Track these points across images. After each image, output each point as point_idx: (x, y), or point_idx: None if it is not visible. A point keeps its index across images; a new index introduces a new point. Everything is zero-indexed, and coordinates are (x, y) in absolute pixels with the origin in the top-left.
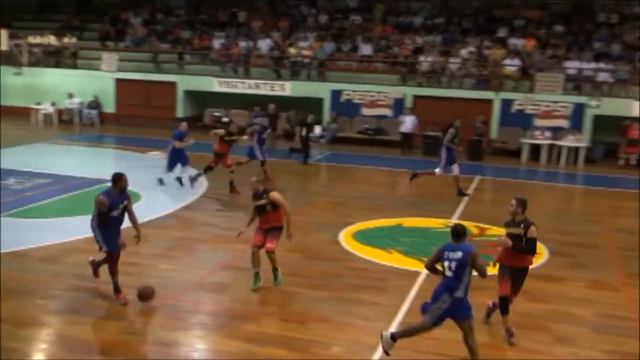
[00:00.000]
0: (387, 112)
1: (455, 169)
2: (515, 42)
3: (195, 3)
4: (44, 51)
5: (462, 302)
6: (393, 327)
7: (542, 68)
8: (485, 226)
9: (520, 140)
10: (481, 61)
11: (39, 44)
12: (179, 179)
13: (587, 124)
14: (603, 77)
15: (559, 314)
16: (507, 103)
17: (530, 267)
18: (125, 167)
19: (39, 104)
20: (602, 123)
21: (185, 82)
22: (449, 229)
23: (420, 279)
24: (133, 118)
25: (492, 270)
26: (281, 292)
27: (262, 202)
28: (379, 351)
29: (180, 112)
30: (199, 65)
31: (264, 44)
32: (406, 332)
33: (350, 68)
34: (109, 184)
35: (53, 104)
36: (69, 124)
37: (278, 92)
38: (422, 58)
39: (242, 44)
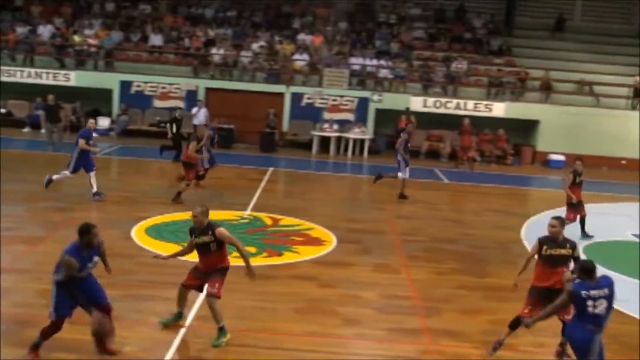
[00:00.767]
0: (180, 104)
1: (406, 172)
2: (304, 37)
3: None
4: None
5: None
6: (187, 321)
7: (329, 63)
8: (279, 217)
9: (310, 132)
10: (272, 55)
11: None
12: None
13: (371, 117)
14: (384, 73)
15: (346, 298)
16: (297, 96)
17: (319, 254)
18: None
19: None
20: (383, 116)
21: None
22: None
23: None
24: None
25: None
26: None
27: (206, 239)
28: (173, 348)
29: None
30: None
31: (45, 31)
32: None
33: (140, 59)
34: None
35: None
36: None
37: (62, 82)
38: (213, 50)
39: (20, 29)
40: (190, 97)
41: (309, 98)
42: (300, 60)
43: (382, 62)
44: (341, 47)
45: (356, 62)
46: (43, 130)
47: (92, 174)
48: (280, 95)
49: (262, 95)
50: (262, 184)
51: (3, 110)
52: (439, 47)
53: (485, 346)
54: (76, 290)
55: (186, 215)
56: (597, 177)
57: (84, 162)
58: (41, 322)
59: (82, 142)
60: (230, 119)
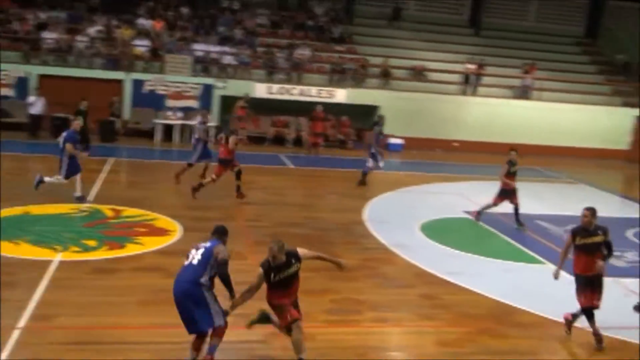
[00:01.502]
0: (9, 92)
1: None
2: (144, 22)
3: None
4: None
5: None
6: (22, 322)
7: (172, 49)
8: (121, 208)
9: (153, 120)
10: (110, 40)
11: None
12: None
13: (216, 104)
14: (228, 60)
15: None
16: (138, 83)
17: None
18: None
19: None
20: (228, 103)
21: None
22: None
23: (51, 269)
24: None
25: None
26: None
27: (292, 270)
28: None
29: None
30: None
31: None
32: None
33: None
34: None
35: None
36: None
37: None
38: (46, 35)
39: None
40: (21, 85)
41: (150, 85)
42: (141, 45)
43: (226, 48)
44: (183, 33)
45: (199, 48)
46: None
47: (78, 176)
48: (120, 82)
49: (100, 83)
50: (103, 175)
51: None
52: (282, 34)
53: (330, 324)
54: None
55: (18, 210)
56: (431, 158)
57: (75, 165)
58: None
59: (69, 146)
60: (66, 107)
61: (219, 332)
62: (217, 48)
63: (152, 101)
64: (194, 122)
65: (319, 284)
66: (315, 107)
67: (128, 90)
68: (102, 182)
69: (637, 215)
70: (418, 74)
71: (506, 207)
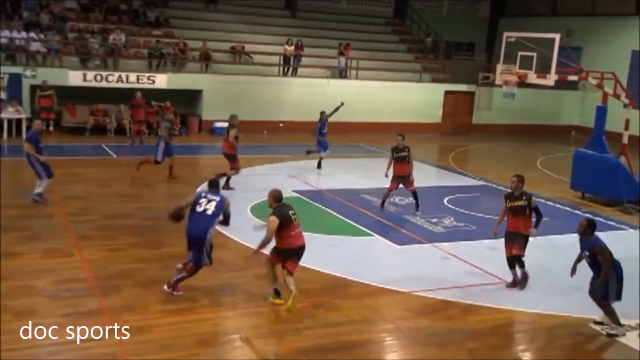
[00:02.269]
0: None
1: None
2: None
3: None
4: None
5: None
6: None
7: None
8: None
9: None
10: None
11: None
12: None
13: (26, 94)
14: (35, 47)
15: (17, 289)
16: None
17: None
18: None
19: None
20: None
21: None
22: None
23: None
24: None
25: None
26: None
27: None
28: None
29: None
30: None
31: None
32: None
33: None
34: None
35: None
36: None
37: None
38: None
39: None
40: None
41: None
42: None
43: (33, 34)
44: None
45: (2, 35)
46: None
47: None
48: None
49: None
50: None
51: None
52: (94, 18)
53: (166, 315)
54: None
55: None
56: (258, 140)
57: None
58: None
59: (27, 146)
60: None
61: (195, 270)
62: (23, 34)
63: None
64: (4, 114)
65: (152, 275)
66: (135, 94)
67: None
68: None
69: (452, 184)
70: (238, 54)
71: (332, 183)
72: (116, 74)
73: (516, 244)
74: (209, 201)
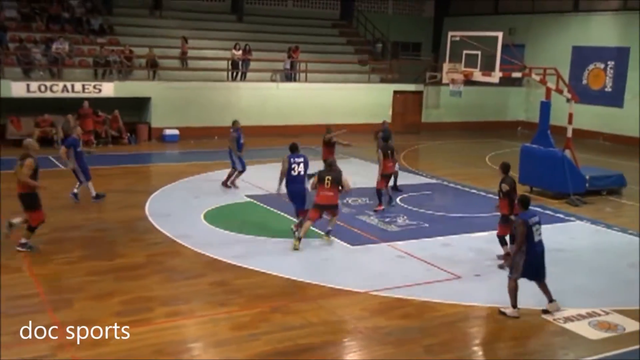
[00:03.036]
0: None
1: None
2: None
3: None
4: None
5: None
6: None
7: None
8: None
9: None
10: None
11: None
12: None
13: None
14: None
15: None
16: None
17: None
18: None
19: None
20: None
21: None
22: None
23: None
24: None
25: None
26: None
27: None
28: None
29: None
30: None
31: None
32: None
33: None
34: None
35: None
36: None
37: None
38: None
39: None
40: None
41: None
42: None
43: None
44: None
45: None
46: None
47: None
48: None
49: None
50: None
51: None
52: (36, 27)
53: (121, 327)
54: None
55: None
56: (210, 146)
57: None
58: None
59: (63, 150)
60: None
61: (306, 212)
62: None
63: None
64: None
65: (105, 287)
66: (83, 104)
67: None
68: None
69: (404, 183)
70: (184, 60)
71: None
72: (61, 84)
73: (498, 224)
74: (298, 164)
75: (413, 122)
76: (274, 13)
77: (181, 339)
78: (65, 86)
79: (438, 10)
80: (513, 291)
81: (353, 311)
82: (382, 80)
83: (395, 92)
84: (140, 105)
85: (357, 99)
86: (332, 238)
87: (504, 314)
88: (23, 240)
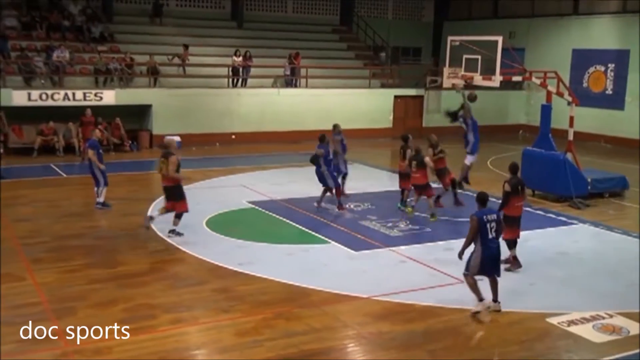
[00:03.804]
0: None
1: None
2: None
3: None
4: None
5: None
6: None
7: None
8: None
9: None
10: None
11: None
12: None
13: None
14: None
15: None
16: None
17: None
18: None
19: None
20: None
21: None
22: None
23: None
24: None
25: None
26: None
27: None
28: None
29: None
30: None
31: None
32: None
33: None
34: None
35: None
36: None
37: None
38: None
39: None
40: None
41: None
42: None
43: None
44: None
45: None
46: None
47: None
48: None
49: None
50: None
51: None
52: (36, 36)
53: (124, 335)
54: None
55: None
56: (211, 153)
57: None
58: None
59: (91, 153)
60: None
61: (337, 191)
62: None
63: None
64: None
65: (108, 295)
66: (84, 111)
67: None
68: None
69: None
70: (182, 64)
71: (286, 192)
72: (62, 92)
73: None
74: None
75: (414, 126)
76: (273, 19)
77: (185, 346)
78: (66, 94)
79: (437, 14)
80: (473, 286)
81: (356, 316)
82: (383, 85)
83: (396, 97)
84: (141, 112)
85: (358, 104)
86: (334, 243)
87: (476, 314)
88: (173, 227)
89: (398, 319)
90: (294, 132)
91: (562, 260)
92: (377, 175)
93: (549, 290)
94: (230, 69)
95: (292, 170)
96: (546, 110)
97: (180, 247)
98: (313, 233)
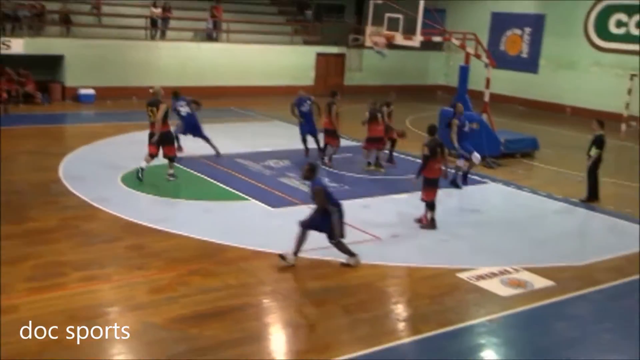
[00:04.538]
0: None
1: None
2: None
3: None
4: None
5: None
6: None
7: None
8: None
9: None
10: None
11: None
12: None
13: None
14: None
15: None
16: None
17: None
18: None
19: None
20: None
21: None
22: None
23: None
24: None
25: None
26: None
27: None
28: None
29: None
30: None
31: None
32: None
33: None
34: None
35: None
36: None
37: None
38: None
39: None
40: None
41: None
42: None
43: None
44: None
45: None
46: None
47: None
48: None
49: None
50: None
51: None
52: None
53: (33, 292)
54: None
55: None
56: (127, 107)
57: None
58: None
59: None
60: None
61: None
62: None
63: None
64: None
65: (16, 251)
66: None
67: None
68: None
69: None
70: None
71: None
72: None
73: (422, 189)
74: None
75: (335, 84)
76: None
77: (96, 304)
78: None
79: None
80: (343, 247)
81: (272, 273)
82: (305, 42)
83: (318, 55)
84: (53, 63)
85: (279, 60)
86: (252, 200)
87: (347, 265)
88: (170, 171)
89: (314, 275)
90: (213, 87)
91: (473, 218)
92: (296, 133)
93: (460, 247)
94: (149, 20)
95: (211, 126)
96: (464, 72)
97: (93, 204)
98: (231, 190)
